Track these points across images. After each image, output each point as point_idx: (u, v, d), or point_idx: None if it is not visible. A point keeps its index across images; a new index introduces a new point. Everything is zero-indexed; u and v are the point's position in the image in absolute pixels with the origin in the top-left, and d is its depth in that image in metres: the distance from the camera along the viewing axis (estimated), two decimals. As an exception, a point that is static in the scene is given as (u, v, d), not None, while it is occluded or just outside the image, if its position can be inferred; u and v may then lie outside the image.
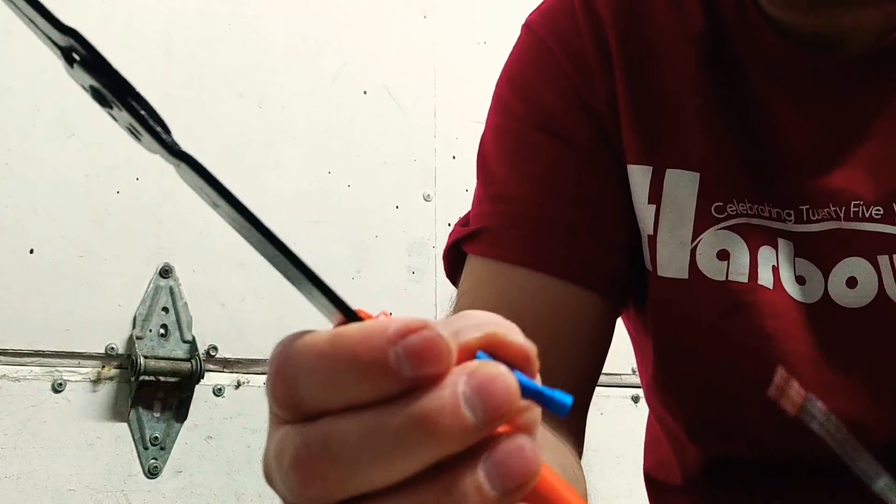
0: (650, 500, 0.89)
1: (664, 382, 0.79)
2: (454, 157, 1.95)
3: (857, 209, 0.72)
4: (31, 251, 1.61)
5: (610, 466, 1.92)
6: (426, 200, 1.92)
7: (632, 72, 0.76)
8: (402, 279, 1.89)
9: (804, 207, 0.73)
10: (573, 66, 0.78)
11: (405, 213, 1.90)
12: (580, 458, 0.75)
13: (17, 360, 1.58)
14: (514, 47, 0.84)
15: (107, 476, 1.63)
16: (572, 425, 0.75)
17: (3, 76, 1.63)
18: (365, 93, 1.90)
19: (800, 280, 0.73)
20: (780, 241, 0.73)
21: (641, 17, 0.78)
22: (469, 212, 0.82)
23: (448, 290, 1.99)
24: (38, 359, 1.59)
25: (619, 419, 1.93)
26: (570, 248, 0.75)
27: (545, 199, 0.77)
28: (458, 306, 0.77)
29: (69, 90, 1.75)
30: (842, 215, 0.72)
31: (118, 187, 1.67)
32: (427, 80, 1.96)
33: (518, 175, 0.78)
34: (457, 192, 1.91)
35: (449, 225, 1.90)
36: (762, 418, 0.72)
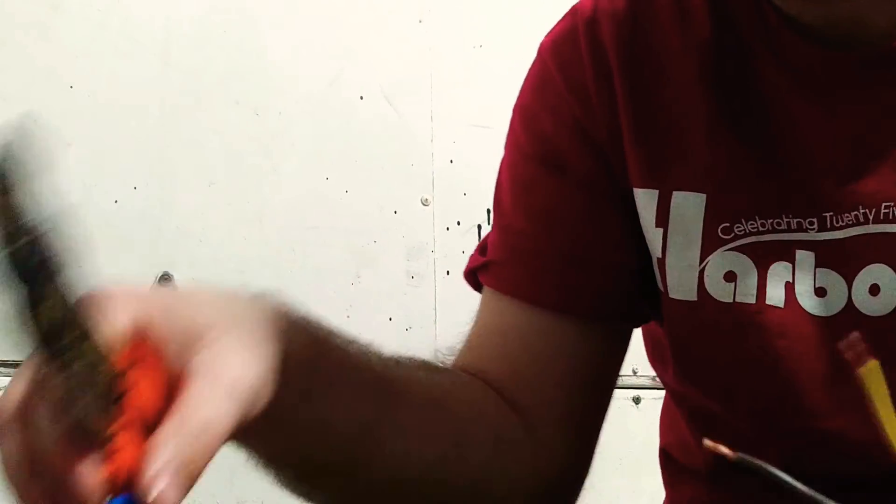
0: (664, 479, 0.88)
1: (682, 393, 0.80)
2: (451, 161, 1.95)
3: (887, 210, 0.70)
4: (30, 261, 1.61)
5: (612, 468, 1.92)
6: (424, 205, 1.92)
7: (636, 96, 0.76)
8: (401, 284, 1.89)
9: (828, 214, 0.71)
10: (574, 95, 0.78)
11: (403, 217, 1.91)
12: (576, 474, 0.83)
13: (15, 371, 1.58)
14: (528, 71, 0.84)
15: (109, 485, 1.63)
16: (574, 445, 0.83)
17: (-1, 87, 1.63)
18: (361, 98, 1.90)
19: (819, 292, 0.72)
20: (799, 253, 0.72)
21: (646, 36, 0.77)
22: (487, 235, 0.84)
23: (447, 294, 1.99)
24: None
25: (620, 420, 1.92)
26: (567, 281, 0.77)
27: (543, 233, 0.78)
28: (470, 333, 0.81)
29: (66, 99, 1.76)
30: (871, 218, 0.70)
31: (116, 196, 1.67)
32: (423, 85, 1.96)
33: (520, 208, 0.80)
34: (455, 196, 1.91)
35: (448, 229, 1.90)
36: (778, 435, 0.73)
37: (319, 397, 0.61)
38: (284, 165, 1.82)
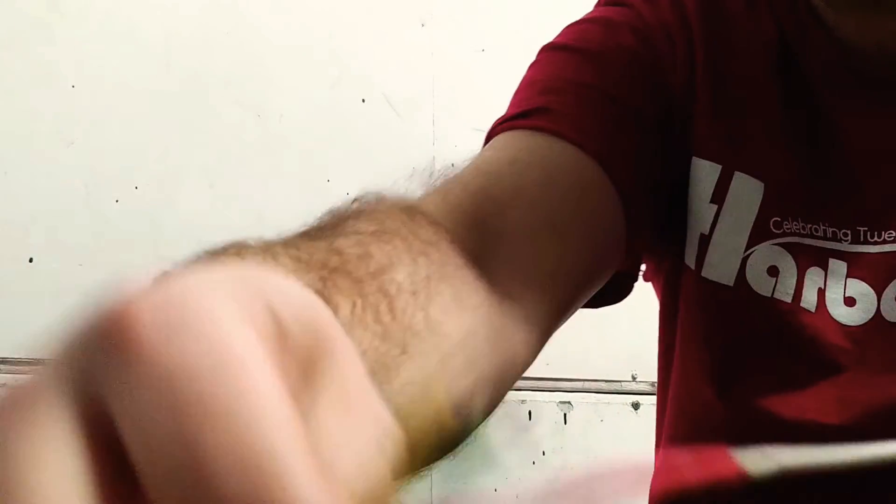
0: None
1: (682, 382, 0.80)
2: (453, 165, 1.95)
3: None
4: (31, 260, 1.61)
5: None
6: (425, 208, 1.92)
7: (713, 69, 0.75)
8: (401, 287, 1.88)
9: (862, 229, 0.72)
10: (663, 42, 0.74)
11: (404, 220, 1.90)
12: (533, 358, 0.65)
13: (17, 368, 1.58)
14: (600, 8, 0.78)
15: (106, 485, 1.62)
16: (535, 311, 0.64)
17: (1, 85, 1.63)
18: (363, 101, 1.90)
19: (849, 302, 0.72)
20: (832, 262, 0.72)
21: (722, 18, 0.76)
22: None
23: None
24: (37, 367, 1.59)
25: (619, 425, 1.92)
26: (617, 152, 0.68)
27: (605, 106, 0.70)
28: (463, 171, 0.71)
29: (68, 99, 1.76)
30: None
31: (117, 196, 1.67)
32: (425, 88, 1.96)
33: (583, 78, 0.71)
34: (456, 200, 1.91)
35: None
36: (774, 430, 0.73)
37: None
38: (285, 167, 1.82)
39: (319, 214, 0.59)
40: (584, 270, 0.67)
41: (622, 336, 1.69)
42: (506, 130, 0.70)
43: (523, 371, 0.64)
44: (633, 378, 1.90)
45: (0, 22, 1.65)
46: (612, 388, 1.93)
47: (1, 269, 1.59)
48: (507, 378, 0.61)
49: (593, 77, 0.72)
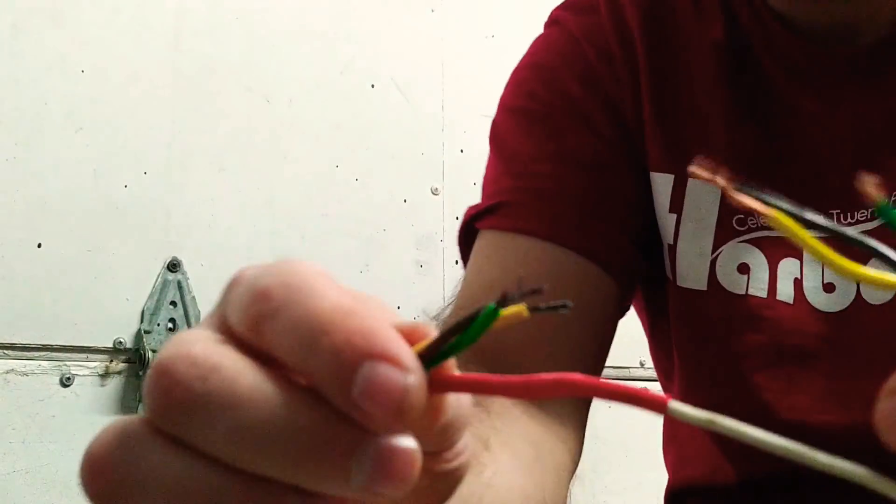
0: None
1: (685, 389, 0.79)
2: (462, 151, 1.95)
3: None
4: (39, 245, 1.61)
5: (618, 460, 1.92)
6: (434, 194, 1.92)
7: (657, 78, 0.76)
8: (410, 273, 1.89)
9: (835, 212, 0.71)
10: (602, 64, 0.77)
11: (413, 206, 1.90)
12: (578, 448, 0.72)
13: (26, 354, 1.58)
14: (538, 39, 0.82)
15: (115, 470, 1.63)
16: (573, 413, 0.72)
17: (11, 70, 1.63)
18: (373, 86, 1.90)
19: (828, 288, 0.72)
20: None
21: (666, 22, 0.77)
22: (482, 196, 0.80)
23: (455, 283, 1.97)
24: (46, 353, 1.59)
25: (626, 412, 1.92)
26: (589, 226, 0.74)
27: (569, 176, 0.75)
28: (465, 282, 0.75)
29: (77, 84, 1.76)
30: None
31: (126, 181, 1.67)
32: (435, 74, 1.95)
33: (542, 153, 0.76)
34: (464, 186, 1.91)
35: (457, 218, 1.90)
36: (773, 430, 0.72)
37: None
38: (295, 153, 1.82)
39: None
40: (595, 352, 0.74)
41: (630, 323, 1.69)
42: (486, 229, 0.75)
43: (573, 468, 0.71)
44: (641, 364, 1.90)
45: (9, 7, 1.65)
46: (619, 375, 1.93)
47: (9, 254, 1.59)
48: (556, 481, 0.66)
49: (550, 144, 0.76)
